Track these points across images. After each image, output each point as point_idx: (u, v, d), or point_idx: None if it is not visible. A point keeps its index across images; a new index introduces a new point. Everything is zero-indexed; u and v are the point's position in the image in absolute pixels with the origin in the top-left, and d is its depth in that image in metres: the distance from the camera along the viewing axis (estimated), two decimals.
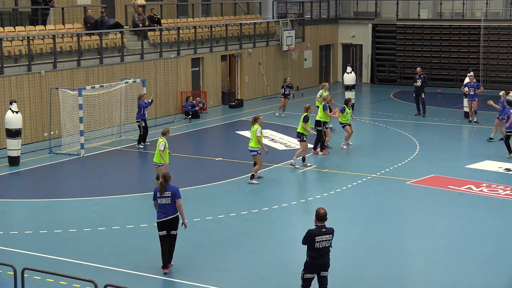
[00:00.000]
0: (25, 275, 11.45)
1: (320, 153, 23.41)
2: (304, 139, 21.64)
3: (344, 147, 24.38)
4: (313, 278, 11.68)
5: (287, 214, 17.83)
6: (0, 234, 15.99)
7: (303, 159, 21.97)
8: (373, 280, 13.47)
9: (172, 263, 13.91)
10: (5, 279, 13.08)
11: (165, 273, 13.64)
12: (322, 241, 11.44)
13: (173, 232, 13.70)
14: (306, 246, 11.60)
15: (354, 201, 18.69)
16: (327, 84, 27.48)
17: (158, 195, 13.58)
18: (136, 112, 24.63)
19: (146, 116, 24.70)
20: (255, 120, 20.06)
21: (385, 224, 16.84)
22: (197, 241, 15.60)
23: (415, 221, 17.13)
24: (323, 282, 11.73)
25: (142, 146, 24.60)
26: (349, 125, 24.38)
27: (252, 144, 19.97)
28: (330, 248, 11.61)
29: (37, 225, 16.69)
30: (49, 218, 17.24)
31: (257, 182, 19.97)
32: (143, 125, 24.55)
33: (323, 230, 11.48)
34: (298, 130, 21.82)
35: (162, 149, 18.32)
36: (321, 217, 11.52)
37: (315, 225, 11.54)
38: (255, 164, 20.14)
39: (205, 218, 17.16)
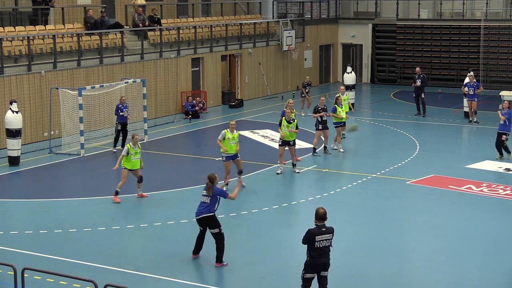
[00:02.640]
0: (25, 275, 11.45)
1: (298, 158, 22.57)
2: (280, 143, 21.05)
3: (334, 147, 24.12)
4: (314, 277, 11.69)
5: (287, 214, 17.83)
6: (0, 234, 15.99)
7: (293, 165, 21.40)
8: (373, 280, 13.47)
9: (224, 262, 14.06)
10: (5, 279, 13.08)
11: (194, 257, 14.40)
12: (322, 240, 11.46)
13: (212, 231, 14.03)
14: (306, 246, 11.61)
15: (354, 201, 18.69)
16: (343, 87, 26.55)
17: (203, 193, 14.10)
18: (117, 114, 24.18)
19: (126, 120, 23.99)
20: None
21: (385, 224, 16.84)
22: None
23: (415, 221, 17.12)
24: (323, 282, 11.74)
25: (115, 151, 23.91)
26: (341, 126, 24.04)
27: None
28: (330, 247, 11.62)
29: (37, 225, 16.69)
30: (49, 218, 17.24)
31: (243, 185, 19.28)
32: (119, 128, 23.99)
33: (323, 229, 11.49)
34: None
35: (125, 154, 18.22)
36: (320, 216, 11.53)
37: (315, 225, 11.55)
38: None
39: None
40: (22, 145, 22.80)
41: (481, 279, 13.53)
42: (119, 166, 18.37)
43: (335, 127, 23.94)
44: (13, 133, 22.09)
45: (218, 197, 14.00)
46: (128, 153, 18.21)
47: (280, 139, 21.12)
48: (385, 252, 14.92)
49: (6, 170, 21.80)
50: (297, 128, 21.13)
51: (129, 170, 18.37)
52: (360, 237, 15.97)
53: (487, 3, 38.63)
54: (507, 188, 19.49)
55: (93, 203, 18.39)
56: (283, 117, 21.04)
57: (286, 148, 21.25)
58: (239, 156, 19.42)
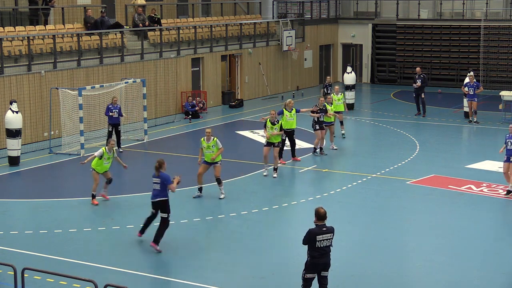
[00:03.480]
0: (25, 275, 11.45)
1: (285, 161, 22.37)
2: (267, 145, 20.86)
3: (335, 147, 24.15)
4: (314, 277, 11.69)
5: (287, 214, 17.83)
6: (0, 234, 15.99)
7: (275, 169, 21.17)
8: (373, 280, 13.47)
9: (159, 248, 14.81)
10: (5, 279, 13.08)
11: (139, 236, 15.38)
12: (323, 240, 11.47)
13: (162, 215, 14.95)
14: (306, 246, 11.61)
15: (354, 201, 18.69)
16: (338, 87, 26.39)
17: (154, 181, 15.04)
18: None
19: (119, 121, 23.93)
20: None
21: (385, 224, 16.84)
22: (197, 241, 15.61)
23: (415, 221, 17.13)
24: (323, 282, 11.74)
25: None
26: (332, 124, 24.03)
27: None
28: (331, 247, 11.62)
29: (37, 225, 16.69)
30: (49, 218, 17.24)
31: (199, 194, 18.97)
32: (110, 129, 23.91)
33: (324, 229, 11.50)
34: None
35: (98, 156, 18.13)
36: (321, 216, 11.54)
37: (316, 225, 11.56)
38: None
39: (205, 218, 17.17)
40: (22, 145, 22.80)
41: (481, 279, 13.53)
42: (87, 162, 18.39)
43: (325, 126, 23.86)
44: (13, 133, 22.09)
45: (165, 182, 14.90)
46: (101, 157, 18.14)
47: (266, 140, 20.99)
48: (385, 252, 14.92)
49: (6, 170, 21.80)
50: (281, 129, 20.87)
51: (98, 173, 18.27)
52: (360, 237, 15.97)
53: (487, 3, 38.63)
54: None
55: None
56: (268, 119, 20.89)
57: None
58: (219, 163, 18.64)
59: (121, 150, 24.12)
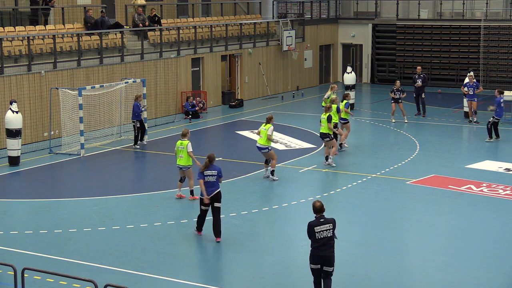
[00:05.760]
0: (25, 275, 11.45)
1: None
2: (332, 137, 21.68)
3: (346, 145, 24.21)
4: (319, 268, 11.78)
5: (287, 214, 17.83)
6: (0, 234, 15.99)
7: (326, 158, 21.97)
8: (373, 280, 13.47)
9: (219, 238, 15.39)
10: (5, 279, 13.09)
11: (199, 235, 15.70)
12: (322, 231, 11.67)
13: (216, 205, 15.39)
14: (310, 240, 11.82)
15: (354, 201, 18.69)
16: (336, 86, 26.06)
17: (204, 174, 15.43)
18: (131, 113, 24.78)
19: (141, 116, 24.78)
20: (269, 119, 20.22)
21: (385, 224, 16.84)
22: (198, 241, 15.61)
23: (415, 221, 17.12)
24: (326, 282, 11.78)
25: (138, 147, 24.62)
26: (348, 122, 24.23)
27: (262, 142, 20.09)
28: (335, 239, 11.71)
29: (37, 225, 16.69)
30: (49, 218, 17.24)
31: (277, 178, 20.32)
32: (138, 125, 24.65)
33: (321, 220, 11.75)
34: (322, 131, 21.62)
35: (191, 150, 18.26)
36: (316, 209, 11.83)
37: (314, 217, 11.75)
38: (267, 161, 20.48)
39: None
40: (22, 145, 22.80)
41: (481, 279, 13.53)
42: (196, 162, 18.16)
43: (343, 123, 23.89)
44: (13, 133, 22.09)
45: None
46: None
47: (329, 134, 21.62)
48: (385, 252, 14.92)
49: (6, 170, 21.80)
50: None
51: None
52: (360, 237, 15.97)
53: (487, 3, 38.62)
54: (507, 188, 19.49)
55: (93, 203, 18.39)
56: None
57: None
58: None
59: (145, 142, 25.12)
